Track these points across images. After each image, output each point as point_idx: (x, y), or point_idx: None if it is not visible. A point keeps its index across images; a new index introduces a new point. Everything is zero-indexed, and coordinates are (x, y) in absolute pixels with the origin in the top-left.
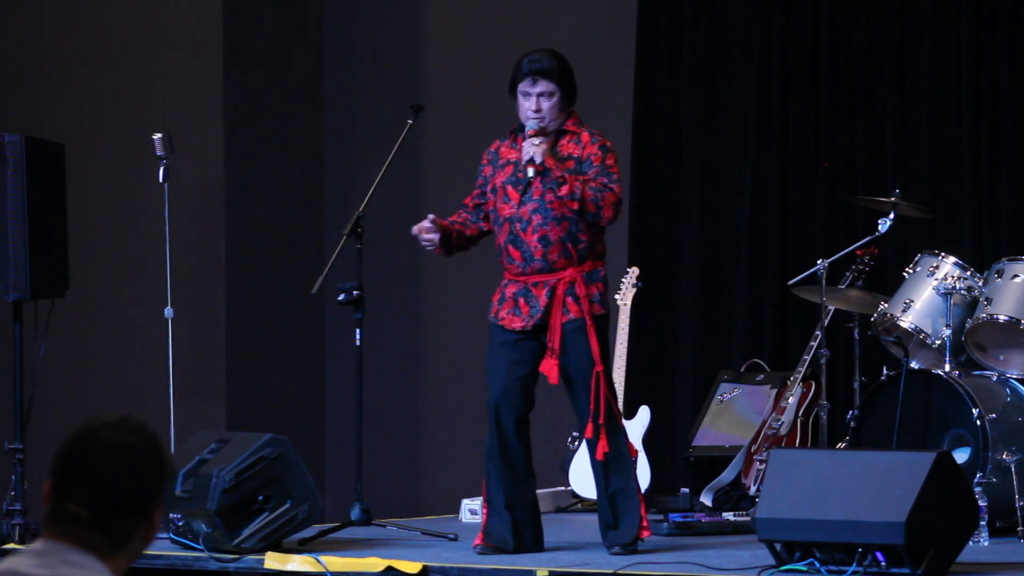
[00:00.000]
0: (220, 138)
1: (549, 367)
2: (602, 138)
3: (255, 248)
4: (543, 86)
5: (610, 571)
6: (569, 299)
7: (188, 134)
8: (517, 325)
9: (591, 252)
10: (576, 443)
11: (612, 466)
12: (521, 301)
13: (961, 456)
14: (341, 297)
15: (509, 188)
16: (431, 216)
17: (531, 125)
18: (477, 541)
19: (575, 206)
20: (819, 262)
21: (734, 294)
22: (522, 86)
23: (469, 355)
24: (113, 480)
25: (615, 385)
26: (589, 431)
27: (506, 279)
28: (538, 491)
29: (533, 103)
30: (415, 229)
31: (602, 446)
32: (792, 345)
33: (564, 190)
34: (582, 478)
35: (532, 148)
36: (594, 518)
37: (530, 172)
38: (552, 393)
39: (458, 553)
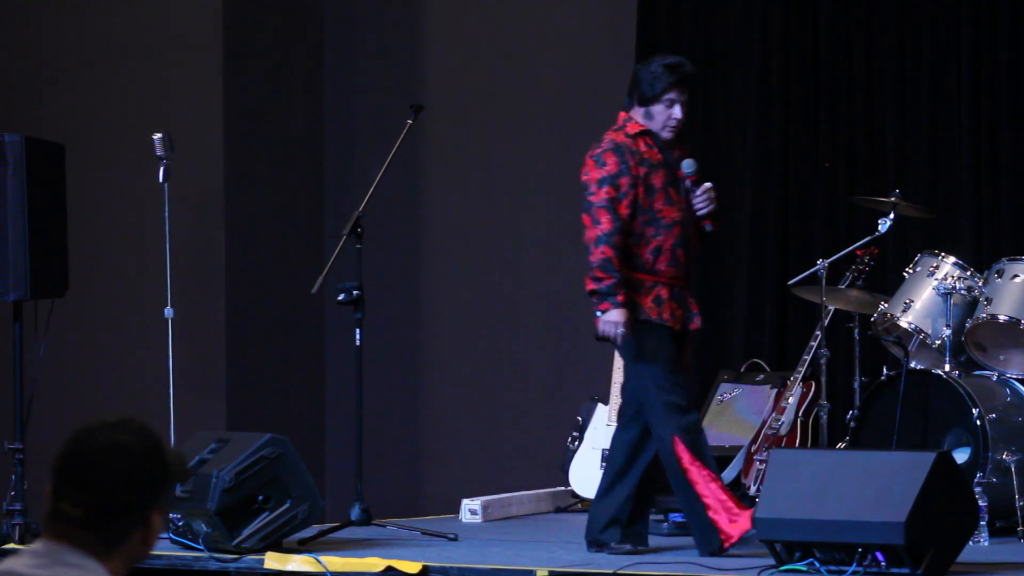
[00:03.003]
0: (220, 138)
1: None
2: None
3: (255, 248)
4: (687, 93)
5: (610, 571)
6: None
7: (188, 134)
8: (678, 327)
9: None
10: (576, 443)
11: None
12: (675, 304)
13: (961, 456)
14: (341, 297)
15: (671, 191)
16: (623, 322)
17: (691, 168)
18: (736, 536)
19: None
20: (819, 262)
21: (734, 294)
22: (671, 94)
23: (469, 355)
24: (105, 480)
25: (617, 385)
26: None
27: (651, 280)
28: (538, 491)
29: (678, 111)
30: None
31: None
32: (792, 345)
33: (711, 230)
34: (582, 478)
35: (710, 205)
36: None
37: (707, 228)
38: (552, 393)
39: (458, 553)
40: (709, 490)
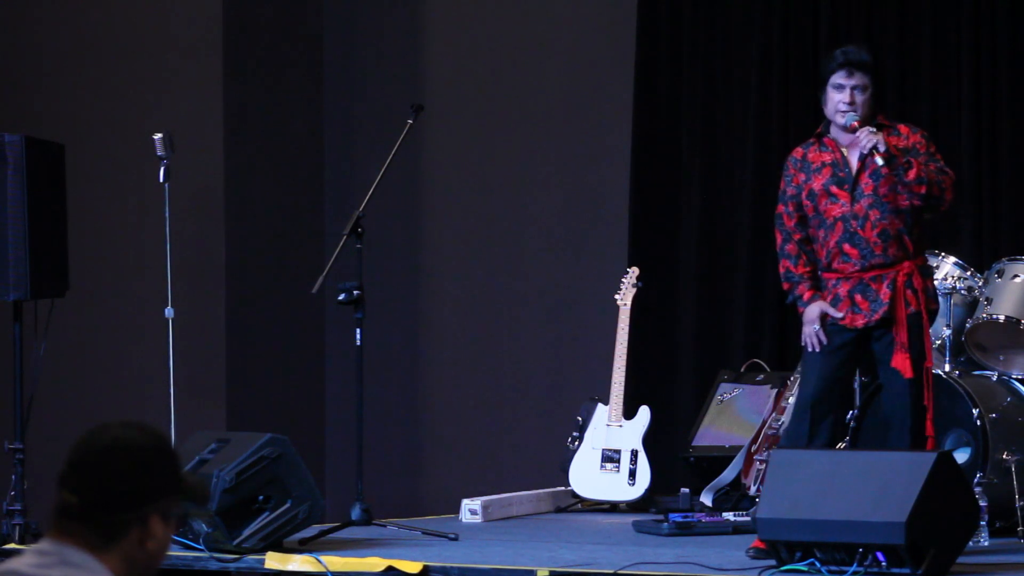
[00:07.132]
0: (220, 138)
1: (902, 361)
2: (920, 128)
3: (255, 248)
4: (858, 79)
5: (610, 571)
6: (908, 292)
7: (188, 134)
8: (859, 323)
9: (922, 244)
10: (576, 443)
11: None
12: (858, 298)
13: (961, 456)
14: (341, 297)
15: (833, 188)
16: (818, 322)
17: (850, 119)
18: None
19: (923, 190)
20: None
21: (734, 294)
22: (835, 78)
23: (469, 355)
24: (103, 469)
25: (617, 385)
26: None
27: (833, 278)
28: (538, 491)
29: (847, 95)
30: (816, 343)
31: (931, 444)
32: (792, 345)
33: (912, 175)
34: (582, 478)
35: (872, 137)
36: (594, 518)
37: (879, 160)
38: (552, 393)
39: (459, 553)
40: None
